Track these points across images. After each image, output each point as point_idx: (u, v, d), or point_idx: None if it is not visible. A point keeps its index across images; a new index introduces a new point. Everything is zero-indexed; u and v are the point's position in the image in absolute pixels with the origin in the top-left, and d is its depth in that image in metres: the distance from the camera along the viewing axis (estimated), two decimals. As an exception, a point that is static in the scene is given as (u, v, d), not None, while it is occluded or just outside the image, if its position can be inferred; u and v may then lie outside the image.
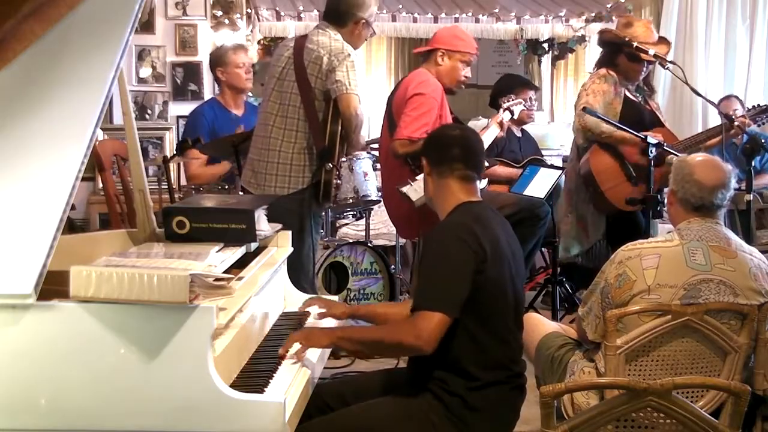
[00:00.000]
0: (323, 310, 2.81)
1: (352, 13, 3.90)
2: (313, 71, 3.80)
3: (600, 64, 4.59)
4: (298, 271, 3.81)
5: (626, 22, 4.56)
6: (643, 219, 4.34)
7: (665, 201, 3.79)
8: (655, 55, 4.31)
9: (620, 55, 4.45)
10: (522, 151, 5.56)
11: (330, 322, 2.85)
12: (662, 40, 4.55)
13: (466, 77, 4.33)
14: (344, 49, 3.79)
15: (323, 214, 4.72)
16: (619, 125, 4.22)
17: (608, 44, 4.55)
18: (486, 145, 4.53)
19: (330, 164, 3.77)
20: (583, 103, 4.38)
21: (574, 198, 4.59)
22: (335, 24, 3.91)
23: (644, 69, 4.47)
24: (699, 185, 2.73)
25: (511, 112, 4.65)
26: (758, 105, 4.49)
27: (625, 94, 4.42)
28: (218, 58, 4.92)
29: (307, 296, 3.15)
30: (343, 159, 4.19)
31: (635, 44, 4.31)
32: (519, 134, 5.65)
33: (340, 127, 3.78)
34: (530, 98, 5.56)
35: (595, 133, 4.31)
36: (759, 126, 4.57)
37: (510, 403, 2.55)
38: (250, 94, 5.33)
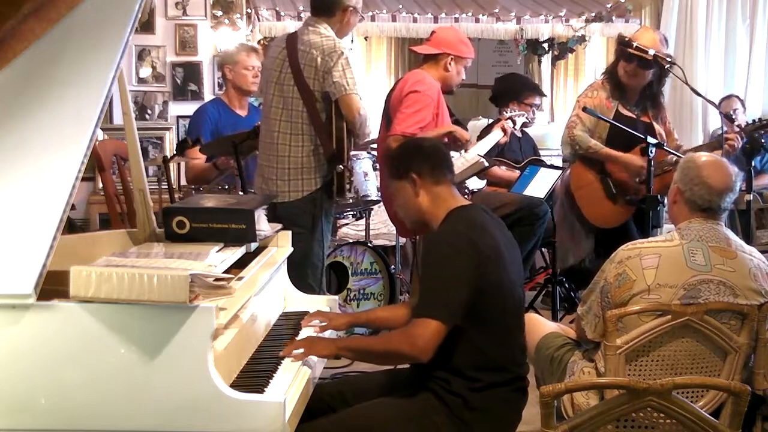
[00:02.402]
0: (324, 324, 2.80)
1: (339, 2, 3.88)
2: (309, 74, 3.80)
3: (603, 73, 4.58)
4: (307, 269, 3.82)
5: (639, 30, 4.57)
6: (636, 228, 4.32)
7: (665, 203, 3.80)
8: (654, 56, 4.31)
9: (621, 60, 4.42)
10: (522, 152, 5.56)
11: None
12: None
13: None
14: (336, 47, 3.78)
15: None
16: (616, 123, 4.20)
17: (616, 50, 4.53)
18: (487, 148, 4.56)
19: (341, 166, 3.79)
20: (573, 116, 4.36)
21: (563, 211, 4.57)
22: (324, 16, 3.89)
23: (644, 77, 4.40)
24: (708, 188, 2.71)
25: (513, 122, 4.71)
26: (757, 120, 4.41)
27: (617, 109, 4.36)
28: (229, 56, 4.91)
29: (307, 296, 3.16)
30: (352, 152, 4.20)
31: (635, 44, 4.30)
32: (519, 134, 5.66)
33: (345, 125, 3.78)
34: (536, 104, 5.56)
35: (582, 147, 4.27)
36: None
37: (512, 405, 2.55)
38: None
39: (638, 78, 4.38)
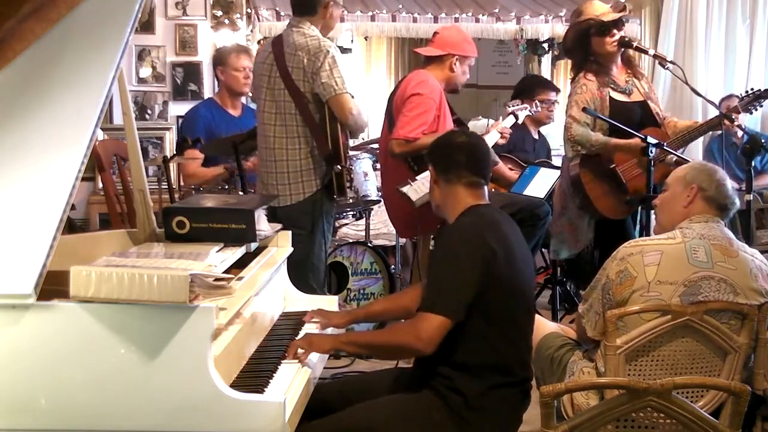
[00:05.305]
0: (324, 321, 2.82)
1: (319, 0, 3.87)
2: (298, 76, 3.79)
3: (577, 68, 4.38)
4: (308, 270, 3.82)
5: (577, 11, 4.41)
6: (632, 225, 4.31)
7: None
8: (655, 56, 4.29)
9: (591, 42, 4.25)
10: (535, 153, 5.52)
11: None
12: (618, 4, 4.40)
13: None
14: (322, 47, 3.76)
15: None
16: (617, 123, 4.15)
17: (577, 39, 4.33)
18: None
19: (339, 166, 3.78)
20: (568, 116, 4.26)
21: (566, 201, 4.51)
22: (306, 15, 3.88)
23: (617, 44, 4.23)
24: (728, 189, 2.82)
25: (516, 117, 4.66)
26: (750, 91, 4.36)
27: (609, 96, 4.28)
28: (220, 57, 4.96)
29: (307, 296, 3.16)
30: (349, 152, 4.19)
31: (635, 44, 4.27)
32: (536, 136, 5.63)
33: (339, 125, 3.78)
34: (550, 100, 5.53)
35: (585, 147, 4.19)
36: (751, 113, 4.52)
37: (514, 407, 2.55)
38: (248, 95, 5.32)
39: (613, 52, 4.25)
